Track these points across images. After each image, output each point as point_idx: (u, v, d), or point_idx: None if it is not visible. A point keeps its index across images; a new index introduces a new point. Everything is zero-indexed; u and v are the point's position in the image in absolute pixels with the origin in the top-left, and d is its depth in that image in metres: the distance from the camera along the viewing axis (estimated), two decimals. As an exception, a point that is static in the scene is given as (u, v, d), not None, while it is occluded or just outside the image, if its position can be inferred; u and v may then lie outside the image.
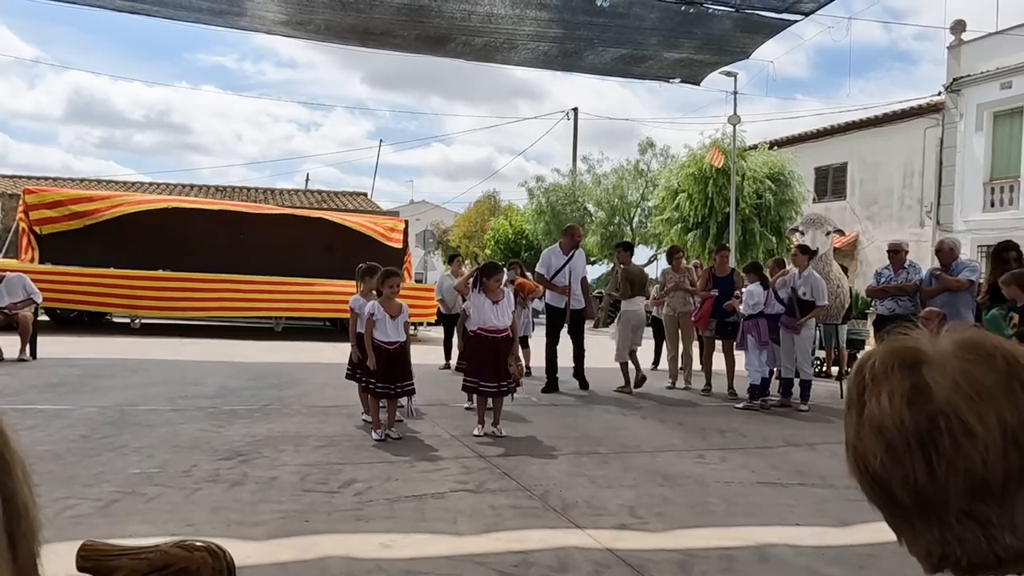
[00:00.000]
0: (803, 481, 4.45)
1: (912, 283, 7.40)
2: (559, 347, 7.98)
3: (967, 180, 17.00)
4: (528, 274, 10.02)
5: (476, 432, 5.39)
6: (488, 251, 27.91)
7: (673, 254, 8.89)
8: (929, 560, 0.64)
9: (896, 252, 7.56)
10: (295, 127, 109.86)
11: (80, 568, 0.69)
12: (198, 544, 0.69)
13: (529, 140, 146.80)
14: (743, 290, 7.39)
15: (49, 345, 9.30)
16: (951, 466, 0.60)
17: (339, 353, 9.44)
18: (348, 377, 5.90)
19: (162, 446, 4.62)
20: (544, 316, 8.55)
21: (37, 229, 13.42)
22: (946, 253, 7.11)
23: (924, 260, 16.06)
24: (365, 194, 25.84)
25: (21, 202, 13.67)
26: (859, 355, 10.22)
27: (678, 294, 8.58)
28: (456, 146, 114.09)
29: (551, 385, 7.84)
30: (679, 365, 8.74)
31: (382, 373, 5.18)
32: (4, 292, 8.78)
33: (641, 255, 22.29)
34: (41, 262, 13.01)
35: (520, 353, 8.66)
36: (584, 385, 8.01)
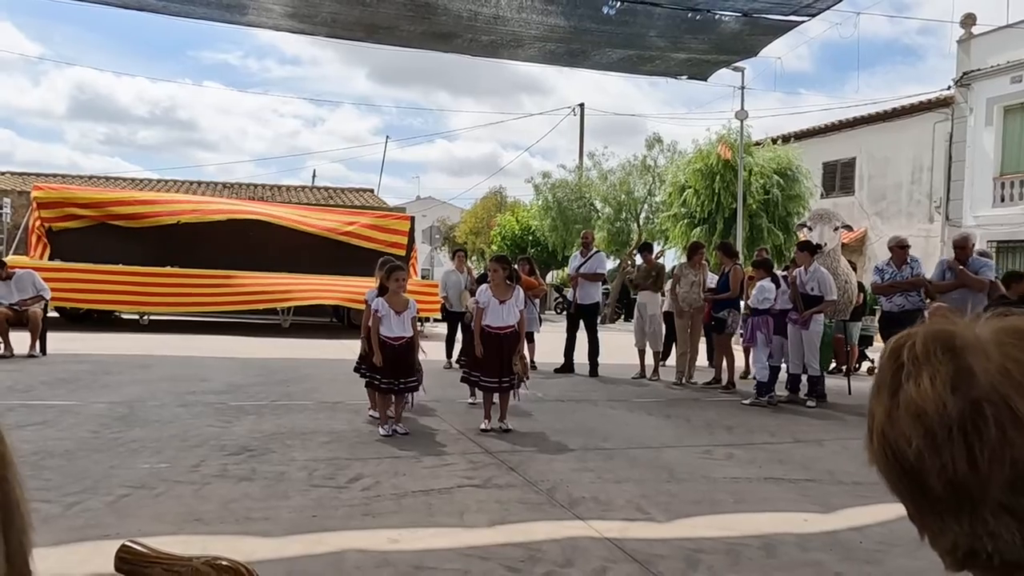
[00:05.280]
0: (811, 477, 4.43)
1: (921, 278, 7.34)
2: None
3: (977, 175, 16.88)
4: (538, 271, 10.20)
5: (482, 427, 5.40)
6: (495, 247, 27.89)
7: (695, 250, 8.84)
8: (954, 555, 0.60)
9: (902, 247, 7.49)
10: (301, 123, 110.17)
11: (117, 568, 0.70)
12: (224, 563, 0.70)
13: (533, 136, 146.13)
14: (756, 286, 7.37)
15: (58, 341, 9.36)
16: (995, 456, 0.56)
17: (346, 349, 9.47)
18: (355, 371, 5.93)
19: (171, 442, 4.65)
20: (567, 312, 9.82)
21: (49, 226, 13.48)
22: (967, 249, 7.01)
23: (933, 255, 15.97)
24: (371, 190, 25.86)
25: (33, 201, 13.70)
26: (867, 351, 10.29)
27: (692, 290, 8.55)
28: (460, 142, 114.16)
29: (565, 367, 9.06)
30: (686, 361, 8.79)
31: (387, 368, 5.19)
32: (14, 289, 8.85)
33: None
34: (52, 259, 13.10)
35: (525, 350, 8.81)
36: (593, 372, 8.84)
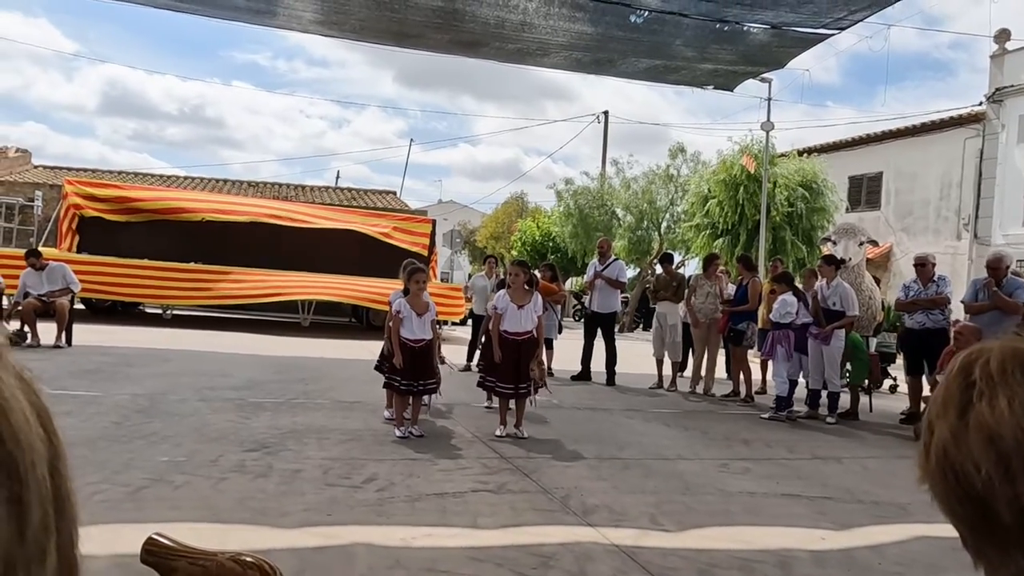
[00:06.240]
0: (828, 494, 4.37)
1: (944, 296, 7.21)
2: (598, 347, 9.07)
3: (1007, 193, 16.58)
4: (560, 277, 10.23)
5: (498, 433, 5.40)
6: (515, 252, 27.93)
7: (711, 261, 8.99)
8: None
9: (923, 265, 7.38)
10: (327, 124, 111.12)
11: (144, 561, 0.71)
12: (249, 560, 0.71)
13: (555, 142, 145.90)
14: (778, 299, 7.32)
15: (84, 333, 9.52)
16: None
17: (365, 349, 9.52)
18: (377, 369, 5.96)
19: (190, 435, 4.71)
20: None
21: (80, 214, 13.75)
22: (1002, 271, 6.84)
23: (960, 274, 15.68)
24: (394, 193, 26.04)
25: (69, 194, 13.92)
26: (889, 369, 10.14)
27: (708, 300, 8.58)
28: (483, 147, 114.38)
29: (582, 374, 9.00)
30: (702, 372, 8.77)
31: (407, 370, 5.21)
32: (44, 280, 9.04)
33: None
34: (79, 251, 13.36)
35: (544, 356, 8.82)
36: (610, 381, 8.79)
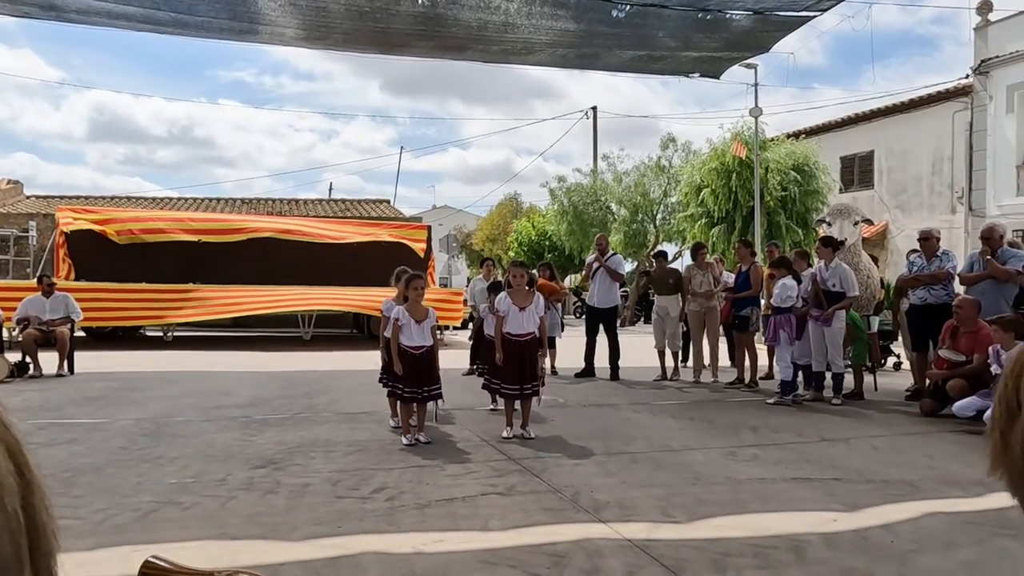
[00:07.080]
0: (839, 476, 4.37)
1: (944, 271, 7.21)
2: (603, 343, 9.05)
3: (999, 164, 16.59)
4: (557, 276, 10.26)
5: (505, 435, 5.40)
6: (512, 253, 27.94)
7: (697, 250, 9.02)
8: None
9: (927, 240, 7.37)
10: (316, 137, 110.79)
11: None
12: None
13: (546, 141, 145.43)
14: (779, 283, 7.32)
15: (86, 360, 9.52)
16: None
17: (367, 360, 9.52)
18: (381, 382, 5.87)
19: (197, 456, 4.70)
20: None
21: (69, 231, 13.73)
22: (995, 240, 6.87)
23: (956, 247, 15.67)
24: (388, 201, 26.00)
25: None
26: (892, 347, 10.14)
27: (702, 289, 8.64)
28: (474, 150, 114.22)
29: (585, 371, 9.01)
30: (704, 360, 8.79)
31: (409, 377, 5.20)
32: (48, 308, 9.06)
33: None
34: (77, 279, 13.35)
35: (548, 353, 8.84)
36: (614, 376, 8.78)
